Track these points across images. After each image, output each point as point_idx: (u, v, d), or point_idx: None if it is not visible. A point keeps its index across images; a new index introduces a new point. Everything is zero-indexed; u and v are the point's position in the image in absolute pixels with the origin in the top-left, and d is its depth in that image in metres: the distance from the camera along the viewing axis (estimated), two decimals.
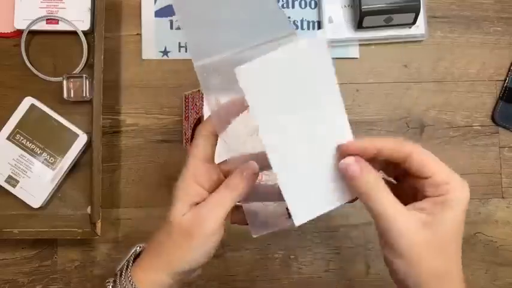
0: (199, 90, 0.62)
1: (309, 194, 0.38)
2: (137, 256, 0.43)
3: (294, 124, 0.38)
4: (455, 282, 0.37)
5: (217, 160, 0.43)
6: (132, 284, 0.41)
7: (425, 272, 0.36)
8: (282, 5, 0.66)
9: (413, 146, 0.37)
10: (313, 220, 0.38)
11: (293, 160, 0.38)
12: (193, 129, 0.62)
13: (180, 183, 0.41)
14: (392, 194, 0.36)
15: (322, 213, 0.39)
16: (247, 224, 0.43)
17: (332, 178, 0.38)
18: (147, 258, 0.42)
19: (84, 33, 0.63)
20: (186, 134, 0.64)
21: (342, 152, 0.38)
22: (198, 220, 0.40)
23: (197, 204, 0.41)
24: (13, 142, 0.61)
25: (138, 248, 0.44)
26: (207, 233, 0.40)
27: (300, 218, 0.38)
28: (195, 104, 0.62)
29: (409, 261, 0.36)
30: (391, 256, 0.36)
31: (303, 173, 0.38)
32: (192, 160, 0.41)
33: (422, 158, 0.37)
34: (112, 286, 0.42)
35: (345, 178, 0.37)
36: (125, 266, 0.42)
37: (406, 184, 0.39)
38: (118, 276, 0.42)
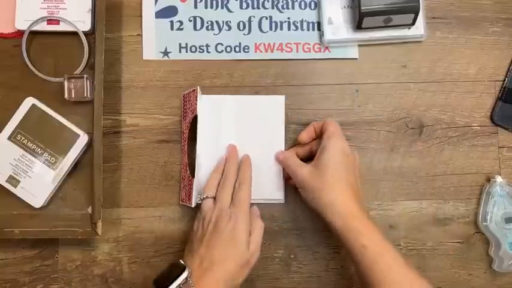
0: (194, 90, 0.62)
1: None
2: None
3: None
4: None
5: None
6: None
7: (312, 190, 0.56)
8: (282, 6, 0.66)
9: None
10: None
11: None
12: (190, 129, 0.63)
13: None
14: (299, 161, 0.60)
15: None
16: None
17: None
18: None
19: (85, 33, 0.63)
20: (184, 133, 0.64)
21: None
22: None
23: None
24: (14, 142, 0.61)
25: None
26: None
27: None
28: (191, 103, 0.62)
29: (304, 190, 0.58)
30: (301, 192, 0.58)
31: None
32: None
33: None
34: None
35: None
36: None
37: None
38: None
